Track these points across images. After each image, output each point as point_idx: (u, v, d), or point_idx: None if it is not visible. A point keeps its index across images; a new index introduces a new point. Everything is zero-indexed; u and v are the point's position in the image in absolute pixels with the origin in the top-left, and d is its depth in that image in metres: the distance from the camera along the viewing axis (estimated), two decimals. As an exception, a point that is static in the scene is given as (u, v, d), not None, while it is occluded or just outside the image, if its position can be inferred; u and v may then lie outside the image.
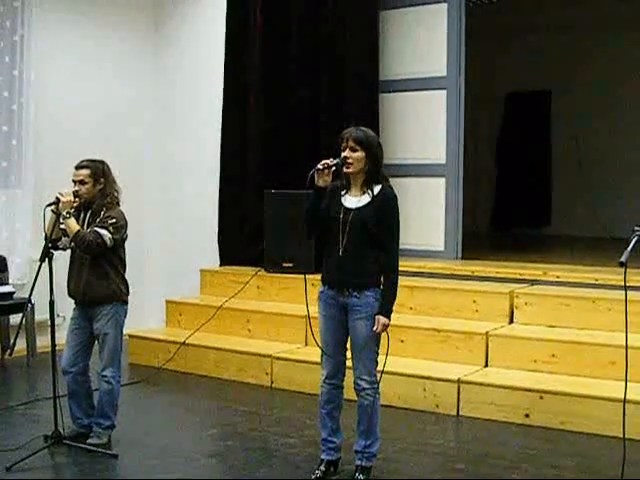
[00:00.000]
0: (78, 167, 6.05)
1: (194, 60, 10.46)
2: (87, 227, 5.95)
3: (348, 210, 5.22)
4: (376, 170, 5.24)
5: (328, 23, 9.48)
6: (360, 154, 5.18)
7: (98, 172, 6.03)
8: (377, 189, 5.24)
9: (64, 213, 5.82)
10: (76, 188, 5.97)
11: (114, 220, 5.93)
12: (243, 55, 9.86)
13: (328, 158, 5.20)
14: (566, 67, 13.50)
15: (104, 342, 6.06)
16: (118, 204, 6.10)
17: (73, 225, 5.84)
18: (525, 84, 14.04)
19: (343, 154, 5.19)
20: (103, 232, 5.86)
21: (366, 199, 5.23)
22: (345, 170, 5.20)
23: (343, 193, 5.29)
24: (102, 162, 6.12)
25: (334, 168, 5.19)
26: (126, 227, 6.06)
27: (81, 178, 5.99)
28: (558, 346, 7.11)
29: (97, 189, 6.01)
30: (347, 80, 9.45)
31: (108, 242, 5.88)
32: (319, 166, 5.15)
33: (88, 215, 6.03)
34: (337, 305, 5.28)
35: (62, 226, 5.89)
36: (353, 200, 5.25)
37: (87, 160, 6.08)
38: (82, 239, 5.82)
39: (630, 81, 12.91)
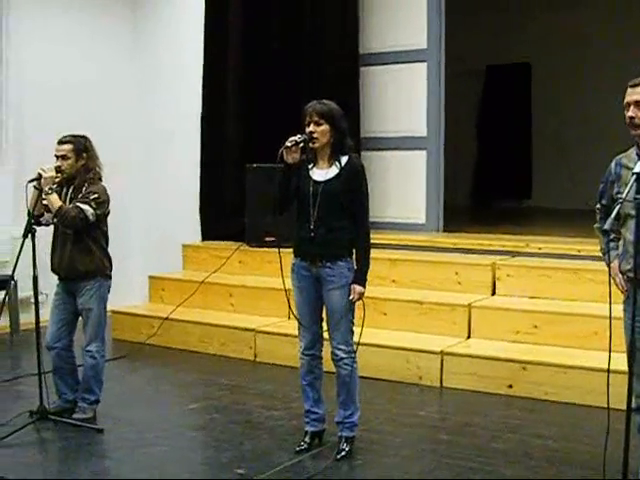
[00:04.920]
0: (60, 142, 6.02)
1: (173, 35, 10.39)
2: (69, 202, 5.93)
3: (317, 183, 5.25)
4: (342, 141, 5.27)
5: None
6: (325, 127, 5.20)
7: (80, 147, 6.01)
8: (344, 160, 5.27)
9: (46, 189, 5.80)
10: (58, 163, 5.96)
11: (96, 195, 5.91)
12: (223, 28, 9.81)
13: (295, 135, 5.21)
14: (546, 39, 13.49)
15: (88, 317, 6.06)
16: (100, 179, 6.08)
17: (55, 201, 5.82)
18: (505, 56, 14.03)
19: (308, 129, 5.21)
20: (85, 207, 5.84)
21: (334, 171, 5.26)
22: (312, 145, 5.22)
23: (310, 167, 5.32)
24: (85, 137, 6.10)
25: (302, 144, 5.20)
26: (108, 202, 6.04)
27: (63, 153, 5.97)
28: (540, 317, 7.16)
29: (79, 164, 5.99)
30: (327, 54, 9.45)
31: (90, 217, 5.87)
32: (287, 143, 5.15)
33: (70, 190, 6.00)
34: (311, 276, 5.32)
35: (44, 202, 5.86)
36: (321, 173, 5.28)
37: (70, 135, 6.05)
38: (64, 215, 5.80)
39: (608, 53, 12.92)
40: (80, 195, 5.92)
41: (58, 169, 5.92)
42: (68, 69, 9.76)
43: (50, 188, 5.81)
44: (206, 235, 10.03)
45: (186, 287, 8.82)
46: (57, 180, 5.91)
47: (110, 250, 6.22)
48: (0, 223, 9.08)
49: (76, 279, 6.00)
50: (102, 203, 5.95)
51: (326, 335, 5.39)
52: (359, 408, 5.45)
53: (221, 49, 9.84)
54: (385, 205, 9.49)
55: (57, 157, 5.98)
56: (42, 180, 5.81)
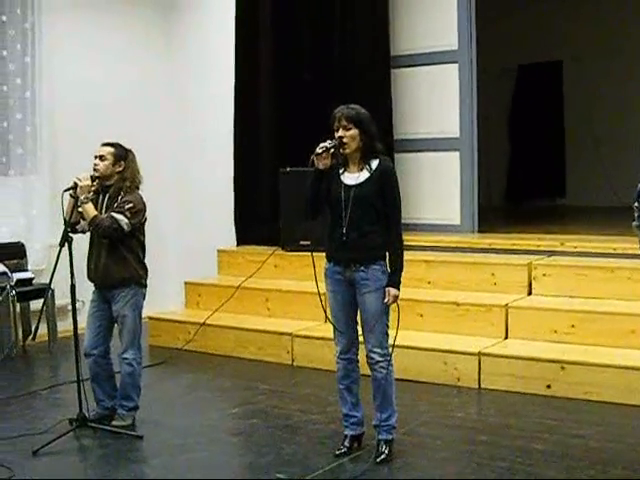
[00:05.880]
0: (103, 144, 6.11)
1: (205, 39, 10.43)
2: (105, 211, 5.97)
3: (348, 187, 5.26)
4: (371, 145, 5.28)
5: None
6: (354, 132, 5.22)
7: (120, 154, 6.07)
8: (375, 163, 5.28)
9: (82, 198, 5.84)
10: (95, 162, 6.01)
11: (131, 205, 5.94)
12: (254, 31, 9.83)
13: (325, 141, 5.22)
14: (576, 36, 13.42)
15: (123, 324, 6.09)
16: (137, 188, 6.11)
17: (90, 210, 5.86)
18: (536, 55, 13.96)
19: (338, 134, 5.23)
20: (120, 217, 5.88)
21: (365, 175, 5.27)
22: (342, 150, 5.24)
23: (341, 171, 5.33)
24: (129, 150, 6.16)
25: (332, 150, 5.21)
26: (144, 211, 6.07)
27: (102, 153, 6.03)
28: (578, 316, 7.11)
29: (115, 170, 6.03)
30: (359, 56, 9.44)
31: (125, 227, 5.90)
32: (318, 150, 5.18)
33: (106, 199, 6.05)
34: (344, 280, 5.33)
35: (80, 209, 5.91)
36: (352, 177, 5.29)
37: (115, 142, 6.13)
38: (99, 224, 5.84)
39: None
40: (115, 204, 5.96)
41: (93, 177, 5.96)
42: (100, 75, 9.79)
43: (86, 197, 5.85)
44: (241, 240, 10.04)
45: (222, 292, 8.83)
46: (93, 189, 5.95)
47: (146, 256, 6.25)
48: (37, 232, 9.16)
49: (111, 287, 6.04)
50: (137, 212, 5.99)
51: (362, 338, 5.40)
52: (396, 411, 5.45)
53: (252, 53, 9.85)
54: (419, 207, 9.48)
55: (95, 157, 6.04)
56: (78, 189, 5.85)
